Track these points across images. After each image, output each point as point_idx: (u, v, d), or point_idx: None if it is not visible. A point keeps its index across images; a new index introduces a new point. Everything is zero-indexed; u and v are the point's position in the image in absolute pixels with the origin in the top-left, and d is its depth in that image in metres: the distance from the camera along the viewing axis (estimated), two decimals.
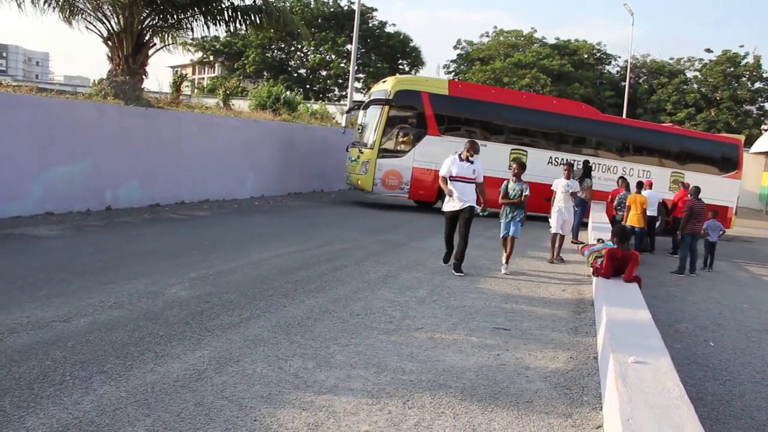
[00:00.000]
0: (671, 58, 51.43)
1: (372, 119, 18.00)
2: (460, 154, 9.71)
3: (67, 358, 4.91)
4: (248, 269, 8.57)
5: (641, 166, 20.16)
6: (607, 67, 53.81)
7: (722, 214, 19.22)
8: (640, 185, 14.99)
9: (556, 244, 11.79)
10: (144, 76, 15.95)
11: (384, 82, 19.43)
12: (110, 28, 15.23)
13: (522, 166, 10.54)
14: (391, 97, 17.75)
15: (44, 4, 14.31)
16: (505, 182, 10.36)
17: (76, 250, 9.17)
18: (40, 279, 7.24)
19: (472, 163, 9.65)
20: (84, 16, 15.06)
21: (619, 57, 53.72)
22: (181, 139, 14.86)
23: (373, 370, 5.20)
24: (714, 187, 19.55)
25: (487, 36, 54.23)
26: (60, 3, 14.53)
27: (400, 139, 18.08)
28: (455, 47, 55.14)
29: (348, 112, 22.44)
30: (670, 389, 4.05)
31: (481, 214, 9.81)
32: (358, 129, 19.36)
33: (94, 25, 15.25)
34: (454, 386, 5.01)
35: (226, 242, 10.56)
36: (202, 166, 15.57)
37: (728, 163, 22.09)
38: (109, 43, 15.37)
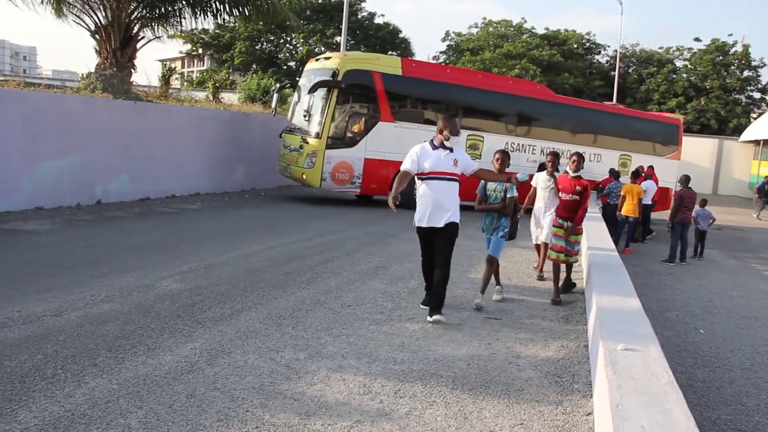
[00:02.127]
0: (660, 48, 51.56)
1: (317, 103, 15.47)
2: (432, 140, 6.65)
3: (58, 351, 4.91)
4: (239, 262, 8.57)
5: (593, 149, 19.32)
6: (597, 57, 53.82)
7: (663, 196, 19.39)
8: (636, 174, 15.04)
9: (542, 252, 9.33)
10: (132, 70, 15.88)
11: (327, 59, 16.69)
12: (98, 21, 15.13)
13: (504, 157, 7.63)
14: (340, 78, 15.32)
15: None
16: (482, 182, 7.54)
17: (67, 244, 9.14)
18: (31, 274, 7.21)
19: (451, 150, 6.61)
20: (71, 9, 14.96)
21: (609, 47, 53.73)
22: (171, 133, 14.80)
23: (365, 360, 5.22)
24: (659, 169, 19.26)
25: (476, 27, 54.12)
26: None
27: (351, 127, 15.81)
28: (444, 39, 55.08)
29: (279, 90, 19.46)
30: (659, 376, 4.09)
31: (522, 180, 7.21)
32: (295, 112, 16.89)
33: (82, 19, 15.16)
34: (445, 375, 5.04)
35: (216, 235, 10.53)
36: (192, 159, 15.51)
37: (670, 144, 21.83)
38: (97, 36, 15.27)
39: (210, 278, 7.51)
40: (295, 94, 17.46)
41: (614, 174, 15.60)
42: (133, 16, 15.49)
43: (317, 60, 17.29)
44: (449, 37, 54.69)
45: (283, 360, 5.06)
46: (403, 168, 6.60)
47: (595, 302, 6.10)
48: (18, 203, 11.19)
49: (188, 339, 5.37)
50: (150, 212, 12.61)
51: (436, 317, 6.37)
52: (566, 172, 8.26)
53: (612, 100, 38.00)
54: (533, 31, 52.11)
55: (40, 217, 11.02)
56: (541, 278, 9.14)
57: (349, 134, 15.74)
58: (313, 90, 15.25)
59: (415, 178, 6.63)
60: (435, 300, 6.48)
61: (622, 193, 14.49)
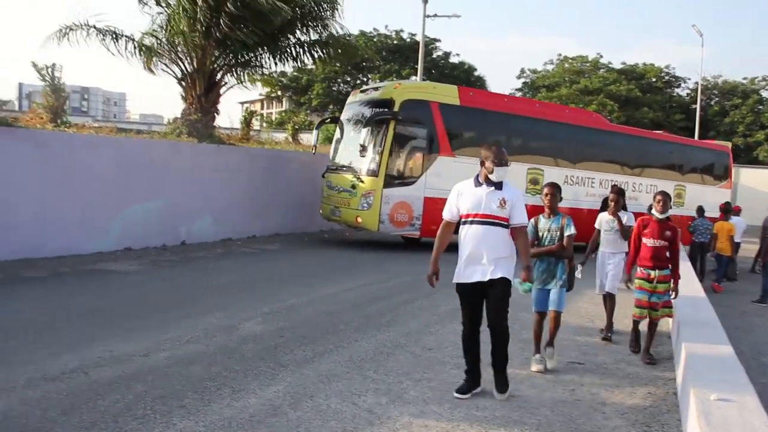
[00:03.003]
0: (744, 78, 49.88)
1: (371, 138, 14.15)
2: (477, 177, 5.42)
3: (148, 392, 5.06)
4: (319, 303, 8.67)
5: (648, 180, 18.38)
6: (677, 90, 52.57)
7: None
8: (726, 211, 14.62)
9: (608, 307, 8.09)
10: (216, 114, 16.50)
11: (376, 89, 15.65)
12: (184, 69, 15.85)
13: (555, 192, 6.56)
14: (396, 109, 14.05)
15: (125, 49, 14.97)
16: (532, 220, 6.35)
17: (154, 284, 9.47)
18: (121, 314, 7.50)
19: (498, 188, 5.29)
20: (160, 59, 15.70)
21: (689, 79, 52.42)
22: (252, 174, 15.22)
23: (447, 405, 5.16)
24: (714, 200, 18.10)
25: (552, 63, 53.86)
26: (140, 48, 15.18)
27: (409, 163, 14.49)
28: (519, 76, 54.97)
29: (319, 126, 17.82)
30: (758, 429, 3.89)
31: (523, 291, 5.46)
32: (339, 150, 15.73)
33: (170, 68, 15.90)
34: (529, 423, 4.93)
35: (296, 276, 10.71)
36: (272, 200, 15.88)
37: (721, 172, 20.92)
38: (183, 83, 15.97)
39: (291, 320, 7.62)
40: (337, 131, 16.23)
41: (700, 211, 15.13)
42: (217, 64, 16.13)
43: (363, 91, 16.24)
44: (524, 74, 54.59)
45: (365, 405, 5.05)
46: (444, 217, 5.50)
47: (683, 346, 5.87)
48: (109, 244, 11.69)
49: (272, 382, 5.44)
50: (232, 253, 12.95)
51: (502, 396, 5.40)
52: (651, 214, 7.16)
53: (694, 134, 36.94)
54: (610, 65, 51.43)
55: (129, 257, 11.46)
56: (607, 339, 7.72)
57: (407, 171, 14.45)
58: (370, 123, 14.16)
59: (454, 222, 5.44)
60: (499, 383, 5.43)
61: (714, 231, 14.12)
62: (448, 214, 5.46)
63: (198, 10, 14.14)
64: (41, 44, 14.82)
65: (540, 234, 6.44)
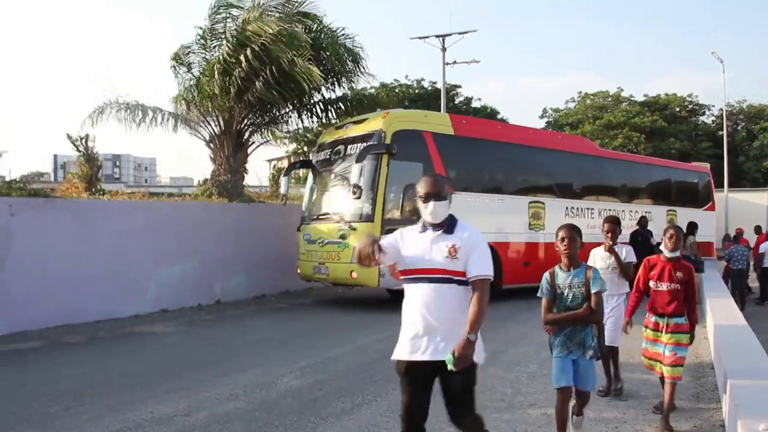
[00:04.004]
0: None
1: (361, 177, 11.93)
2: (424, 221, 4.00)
3: None
4: (354, 355, 8.68)
5: (643, 206, 17.45)
6: (701, 118, 52.27)
7: (705, 251, 17.81)
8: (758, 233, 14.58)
9: (610, 364, 6.79)
10: (244, 173, 16.81)
11: (359, 122, 13.55)
12: (212, 132, 16.25)
13: (573, 234, 5.04)
14: (389, 142, 12.19)
15: (151, 120, 15.42)
16: (546, 275, 5.09)
17: (191, 344, 9.58)
18: (160, 374, 7.58)
19: (448, 231, 3.92)
20: (188, 123, 16.13)
21: (713, 106, 52.07)
22: (283, 230, 15.38)
23: None
24: (702, 224, 17.01)
25: (573, 101, 54.01)
26: (167, 117, 15.64)
27: (406, 204, 12.18)
28: (542, 116, 55.14)
29: (288, 172, 14.95)
30: None
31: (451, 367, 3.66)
32: (314, 197, 13.96)
33: (198, 131, 16.32)
34: None
35: (330, 328, 10.75)
36: None
37: (705, 195, 20.25)
38: (212, 145, 16.36)
39: (328, 373, 7.64)
40: (310, 176, 14.38)
41: (735, 237, 15.02)
42: (244, 124, 16.50)
43: (339, 127, 14.36)
44: (547, 114, 54.76)
45: None
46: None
47: (727, 377, 5.76)
48: (145, 307, 11.86)
49: None
50: (266, 309, 13.05)
51: None
52: (660, 252, 6.11)
53: (722, 161, 36.55)
54: (632, 98, 51.43)
55: (165, 318, 11.62)
56: (611, 393, 6.69)
57: (405, 213, 12.20)
58: (360, 159, 11.99)
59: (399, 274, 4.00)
60: None
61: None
62: (393, 262, 3.96)
63: (231, 76, 14.57)
64: (80, 124, 15.46)
65: (559, 292, 5.00)
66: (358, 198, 12.00)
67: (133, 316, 11.54)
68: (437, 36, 30.58)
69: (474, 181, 14.28)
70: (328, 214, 13.12)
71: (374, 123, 12.87)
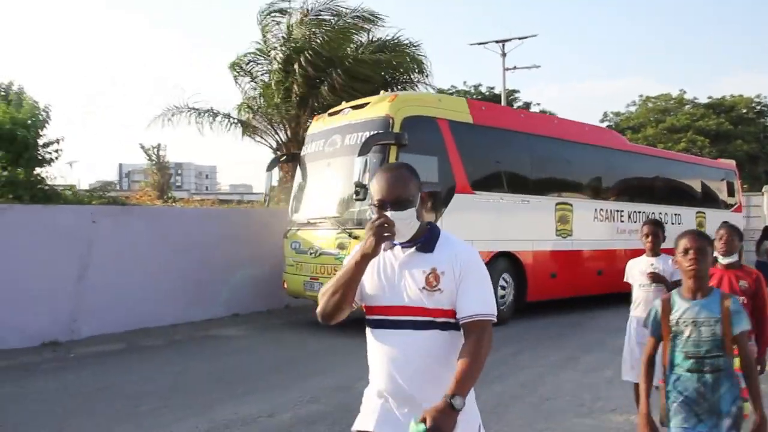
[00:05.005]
0: None
1: (363, 174, 9.54)
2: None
3: None
4: None
5: (672, 208, 15.51)
6: None
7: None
8: None
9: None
10: None
11: (360, 107, 11.22)
12: (278, 140, 16.53)
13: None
14: (398, 130, 10.09)
15: (222, 125, 15.84)
16: (656, 304, 3.50)
17: (265, 348, 9.77)
18: (238, 377, 7.76)
19: (426, 249, 2.58)
20: (255, 131, 16.47)
21: None
22: None
23: None
24: None
25: (634, 104, 53.04)
26: (237, 124, 16.01)
27: (419, 208, 6.40)
28: (602, 120, 54.27)
29: (271, 167, 12.75)
30: None
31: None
32: (304, 199, 11.79)
33: (264, 139, 16.64)
34: None
35: None
36: None
37: (731, 194, 18.23)
38: (278, 152, 16.65)
39: None
40: (298, 173, 12.22)
41: None
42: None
43: (334, 113, 11.77)
44: (607, 118, 53.92)
45: None
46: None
47: None
48: (218, 311, 12.13)
49: None
50: None
51: None
52: (714, 258, 4.38)
53: None
54: (695, 101, 50.22)
55: (237, 323, 11.86)
56: None
57: (419, 218, 7.96)
58: (364, 151, 9.69)
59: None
60: None
61: None
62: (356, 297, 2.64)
63: (295, 83, 14.83)
64: (147, 125, 15.86)
65: (675, 330, 3.34)
66: (361, 199, 9.60)
67: (206, 320, 11.81)
68: (497, 41, 30.53)
69: (495, 178, 12.04)
70: (321, 218, 10.95)
71: (379, 107, 10.63)
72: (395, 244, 2.59)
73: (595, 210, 13.74)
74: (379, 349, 2.61)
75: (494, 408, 6.35)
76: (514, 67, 32.35)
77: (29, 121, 10.94)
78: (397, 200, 2.52)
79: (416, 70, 16.83)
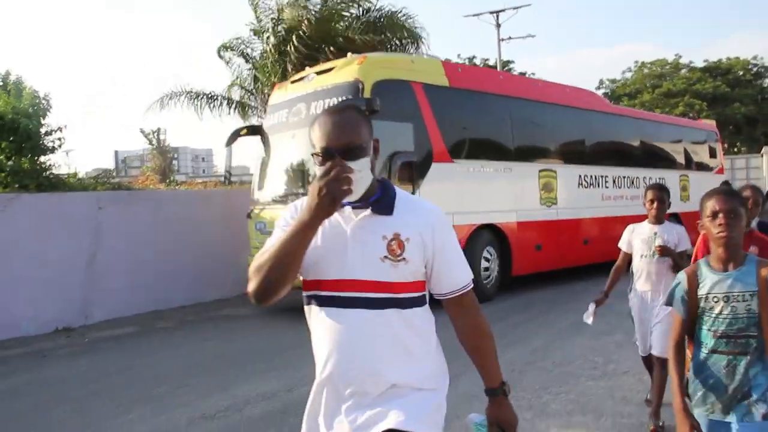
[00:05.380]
0: None
1: None
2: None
3: (300, 423, 5.30)
4: (447, 329, 8.81)
5: (657, 172, 14.89)
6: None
7: None
8: None
9: (655, 380, 4.88)
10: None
11: (325, 71, 10.46)
12: None
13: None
14: (368, 95, 9.30)
15: (219, 108, 15.85)
16: (681, 277, 3.04)
17: (276, 326, 9.88)
18: (255, 355, 7.90)
19: (384, 210, 2.13)
20: (254, 111, 16.49)
21: None
22: None
23: (591, 416, 5.20)
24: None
25: (630, 71, 52.85)
26: (235, 105, 16.03)
27: (394, 177, 9.26)
28: (598, 87, 54.10)
29: (231, 141, 11.43)
30: None
31: None
32: (267, 173, 11.12)
33: (264, 118, 16.65)
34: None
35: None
36: None
37: (713, 156, 17.57)
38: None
39: None
40: (261, 147, 11.32)
41: None
42: None
43: (296, 81, 11.05)
44: (603, 85, 53.75)
45: None
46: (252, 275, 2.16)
47: None
48: (227, 291, 12.23)
49: None
50: None
51: None
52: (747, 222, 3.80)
53: None
54: (691, 65, 50.06)
55: (246, 303, 11.87)
56: (659, 430, 4.70)
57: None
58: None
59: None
60: None
61: None
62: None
63: (289, 62, 14.84)
64: (145, 110, 15.89)
65: (704, 306, 2.92)
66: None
67: (215, 300, 11.92)
68: (491, 12, 30.42)
69: (475, 146, 11.30)
70: (287, 196, 10.29)
71: (347, 71, 9.90)
72: (344, 204, 2.09)
73: (579, 176, 13.12)
74: (326, 332, 2.17)
75: (507, 373, 6.38)
76: (509, 38, 32.28)
77: (30, 110, 10.97)
78: (347, 147, 2.02)
79: (413, 44, 16.80)
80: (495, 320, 9.08)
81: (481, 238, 10.74)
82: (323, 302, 2.18)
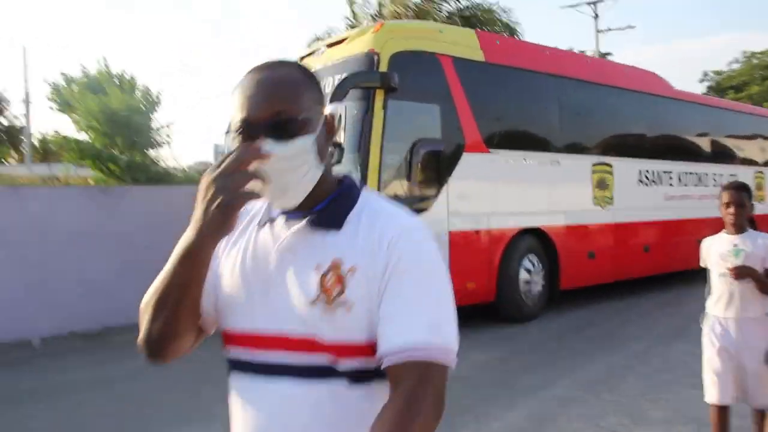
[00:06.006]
0: None
1: (340, 125, 7.47)
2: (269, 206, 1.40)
3: None
4: (539, 332, 8.80)
5: (729, 168, 13.23)
6: None
7: None
8: None
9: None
10: None
11: (336, 43, 9.06)
12: None
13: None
14: (385, 69, 7.80)
15: None
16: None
17: None
18: None
19: (330, 221, 1.33)
20: None
21: None
22: None
23: (693, 426, 5.08)
24: None
25: (737, 62, 50.33)
26: None
27: (415, 171, 8.05)
28: (702, 80, 51.80)
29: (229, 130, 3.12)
30: None
31: None
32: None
33: None
34: None
35: None
36: None
37: None
38: None
39: (513, 348, 7.82)
40: None
41: None
42: None
43: (308, 56, 9.44)
44: (707, 77, 51.47)
45: (609, 426, 5.09)
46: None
47: None
48: None
49: (510, 407, 5.62)
50: None
51: None
52: None
53: None
54: None
55: None
56: None
57: (414, 186, 8.10)
58: (338, 96, 7.39)
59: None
60: None
61: None
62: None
63: None
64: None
65: None
66: (337, 161, 7.35)
67: None
68: (589, 3, 29.63)
69: (516, 133, 9.76)
70: None
71: (361, 42, 8.32)
72: (273, 216, 1.41)
73: (639, 172, 11.34)
74: (241, 410, 1.40)
75: (606, 379, 6.41)
76: (608, 29, 31.27)
77: (142, 107, 11.56)
78: (276, 121, 1.27)
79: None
80: (546, 340, 8.37)
81: (522, 245, 9.13)
82: (235, 366, 1.42)
